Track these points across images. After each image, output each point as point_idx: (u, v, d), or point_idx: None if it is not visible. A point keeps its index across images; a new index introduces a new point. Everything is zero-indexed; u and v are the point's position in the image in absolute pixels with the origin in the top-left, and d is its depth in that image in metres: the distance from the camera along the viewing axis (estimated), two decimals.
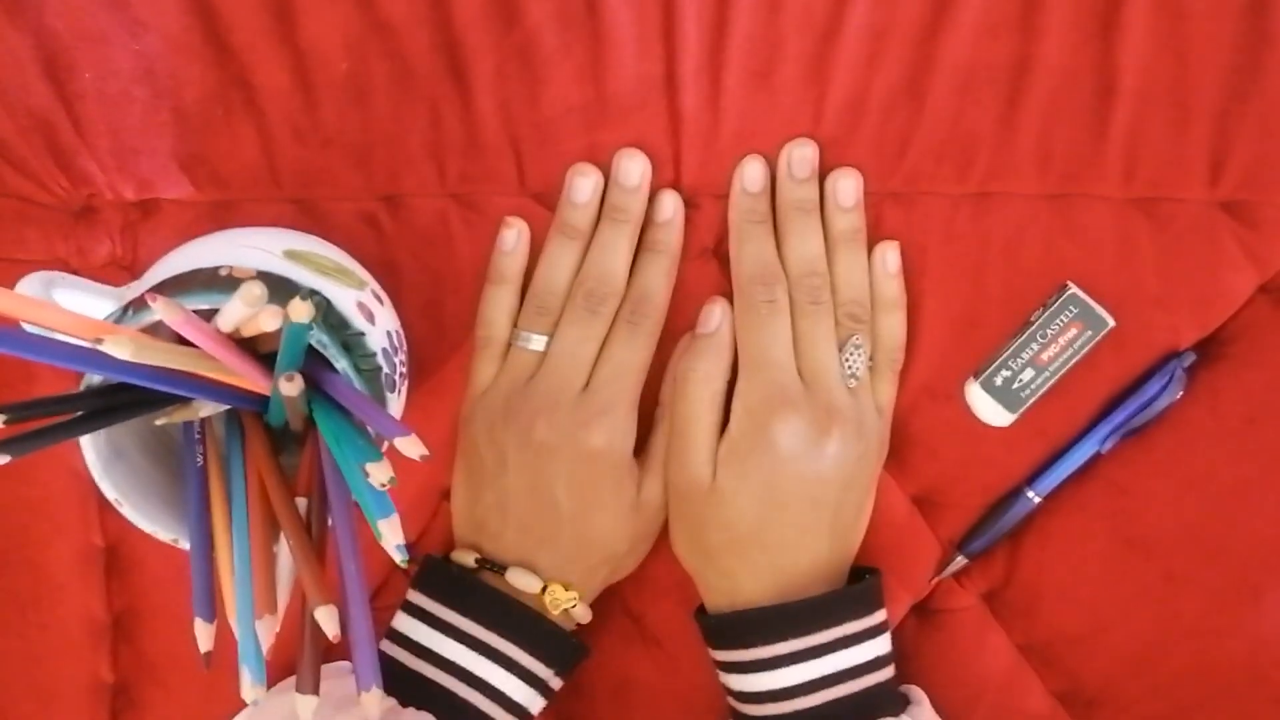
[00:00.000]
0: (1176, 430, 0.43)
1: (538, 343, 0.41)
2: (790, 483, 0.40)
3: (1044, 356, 0.42)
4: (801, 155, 0.42)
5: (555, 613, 0.41)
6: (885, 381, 0.43)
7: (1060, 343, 0.42)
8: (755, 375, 0.41)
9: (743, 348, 0.41)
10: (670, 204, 0.42)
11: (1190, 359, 0.43)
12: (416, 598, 0.42)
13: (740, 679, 0.41)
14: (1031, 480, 0.44)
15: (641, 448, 0.43)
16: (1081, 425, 0.43)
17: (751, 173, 0.42)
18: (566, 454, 0.40)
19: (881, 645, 0.41)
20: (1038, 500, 0.43)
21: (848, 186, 0.42)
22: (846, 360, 0.41)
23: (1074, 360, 0.42)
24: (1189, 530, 0.43)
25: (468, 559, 0.42)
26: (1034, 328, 0.42)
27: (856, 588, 0.41)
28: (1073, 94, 0.41)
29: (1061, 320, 0.42)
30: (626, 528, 0.42)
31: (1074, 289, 0.42)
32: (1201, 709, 0.43)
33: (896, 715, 0.41)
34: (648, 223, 0.43)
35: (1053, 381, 0.42)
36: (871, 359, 0.42)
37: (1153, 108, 0.41)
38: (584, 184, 0.42)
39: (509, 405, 0.41)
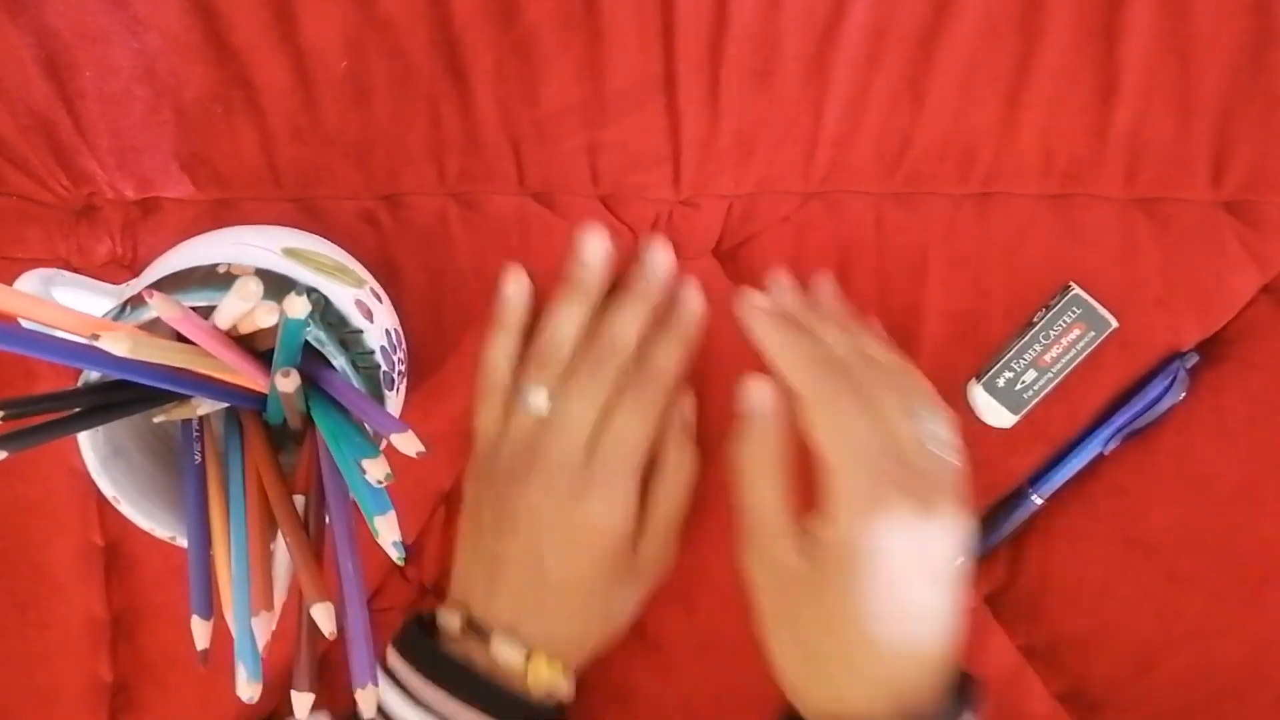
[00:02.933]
0: (1179, 431, 0.43)
1: (540, 396, 0.40)
2: (909, 570, 0.36)
3: (1046, 357, 0.42)
4: (826, 289, 0.43)
5: (536, 691, 0.39)
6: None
7: (1063, 344, 0.42)
8: (850, 467, 0.36)
9: (827, 441, 0.37)
10: (693, 299, 0.43)
11: (1193, 360, 0.42)
12: (394, 660, 0.39)
13: None
14: (1034, 481, 0.44)
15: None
16: (1084, 426, 0.43)
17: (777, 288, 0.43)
18: (561, 523, 0.39)
19: None
20: (1040, 502, 0.43)
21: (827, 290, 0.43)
22: (923, 426, 0.38)
23: (1076, 361, 0.42)
24: (1192, 531, 0.43)
25: (454, 621, 0.40)
26: (1036, 329, 0.42)
27: (968, 694, 0.37)
28: (1074, 94, 0.41)
29: (1064, 321, 0.42)
30: (619, 594, 0.41)
31: (1076, 290, 0.42)
32: (1204, 710, 0.43)
33: None
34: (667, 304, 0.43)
35: (1055, 383, 0.42)
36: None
37: (1155, 107, 0.41)
38: (596, 246, 0.42)
39: (511, 467, 0.40)
